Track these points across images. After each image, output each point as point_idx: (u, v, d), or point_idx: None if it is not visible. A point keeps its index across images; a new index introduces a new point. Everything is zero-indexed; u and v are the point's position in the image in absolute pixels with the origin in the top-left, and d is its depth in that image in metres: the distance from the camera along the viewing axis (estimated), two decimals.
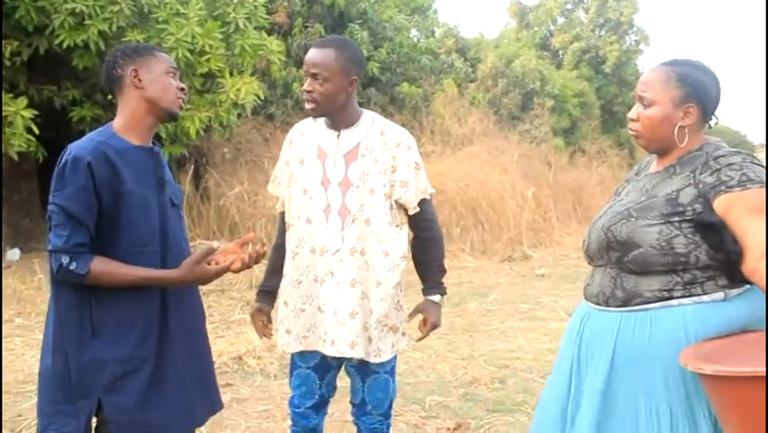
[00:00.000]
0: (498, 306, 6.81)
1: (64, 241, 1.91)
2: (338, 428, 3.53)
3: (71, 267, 1.91)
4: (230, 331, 5.32)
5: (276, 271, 2.47)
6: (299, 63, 11.75)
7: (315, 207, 2.31)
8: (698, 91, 1.80)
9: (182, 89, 2.08)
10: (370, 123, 2.36)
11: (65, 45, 7.14)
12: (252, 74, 9.16)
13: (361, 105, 9.02)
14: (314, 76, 2.25)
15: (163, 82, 2.04)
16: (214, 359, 4.74)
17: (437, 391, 4.26)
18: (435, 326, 2.47)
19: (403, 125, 10.47)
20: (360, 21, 12.47)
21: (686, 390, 1.69)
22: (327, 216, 2.30)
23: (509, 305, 6.83)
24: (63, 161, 1.94)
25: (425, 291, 2.48)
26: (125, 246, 1.96)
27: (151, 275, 1.97)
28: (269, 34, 9.36)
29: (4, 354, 4.72)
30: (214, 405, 2.24)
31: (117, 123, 2.05)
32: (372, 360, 2.33)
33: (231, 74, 7.93)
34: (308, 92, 2.26)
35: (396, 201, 2.33)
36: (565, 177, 13.39)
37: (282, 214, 2.46)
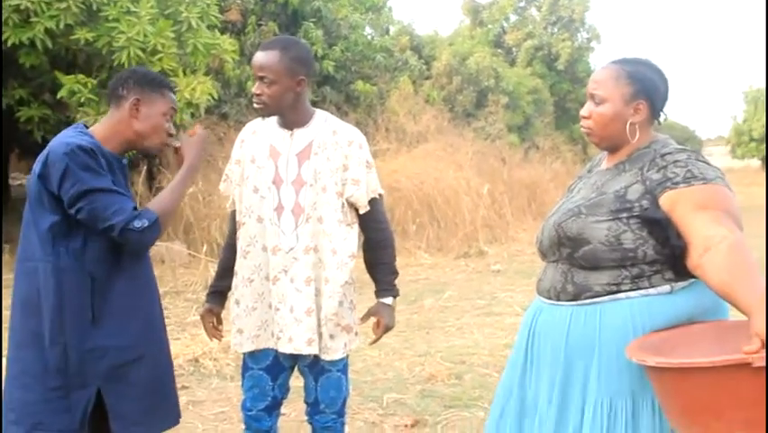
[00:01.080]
0: (454, 302, 6.87)
1: (123, 211, 1.93)
2: (294, 428, 3.52)
3: (146, 225, 1.94)
4: (185, 333, 5.25)
5: (227, 272, 2.46)
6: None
7: (267, 205, 2.31)
8: (647, 88, 1.85)
9: (170, 135, 2.14)
10: (323, 122, 2.37)
11: (10, 43, 6.96)
12: (206, 73, 9.05)
13: (315, 103, 9.05)
14: (261, 78, 2.26)
15: (157, 123, 2.10)
16: None
17: (394, 388, 4.29)
18: (388, 328, 2.48)
19: (358, 123, 10.48)
20: (314, 19, 12.43)
21: (631, 380, 1.74)
22: (279, 215, 2.30)
23: (465, 301, 6.90)
24: (67, 153, 1.91)
25: (378, 294, 2.49)
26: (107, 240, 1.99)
27: (182, 178, 2.13)
28: (222, 33, 9.27)
29: None
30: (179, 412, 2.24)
31: (98, 130, 2.08)
32: (323, 357, 2.34)
33: (184, 73, 7.82)
34: (257, 95, 2.27)
35: (347, 200, 2.34)
36: (520, 173, 13.57)
37: (233, 213, 2.45)
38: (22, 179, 16.24)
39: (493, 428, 1.98)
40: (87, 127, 2.11)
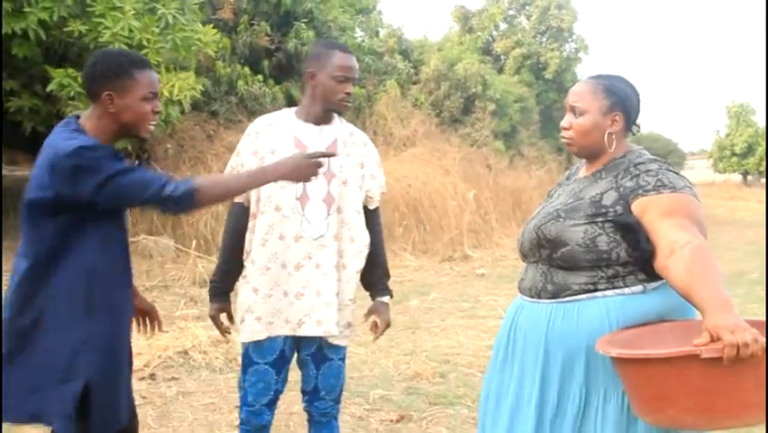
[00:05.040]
0: (438, 304, 7.01)
1: (153, 182, 1.96)
2: (284, 420, 3.63)
3: (180, 191, 1.96)
4: (174, 326, 5.33)
5: (230, 272, 2.53)
6: (244, 60, 11.75)
7: (288, 195, 2.41)
8: (622, 100, 1.99)
9: (156, 112, 2.11)
10: (340, 122, 2.54)
11: (2, 33, 6.98)
12: (196, 70, 9.10)
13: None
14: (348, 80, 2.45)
15: (137, 109, 2.06)
16: (159, 353, 4.79)
17: (381, 384, 4.40)
18: (389, 325, 2.65)
19: None
20: (305, 20, 12.53)
21: (605, 373, 1.87)
22: (304, 205, 2.42)
23: (450, 303, 7.04)
24: (72, 154, 1.91)
25: (376, 294, 2.63)
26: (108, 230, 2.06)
27: (253, 172, 2.19)
28: (215, 29, 9.32)
29: None
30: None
31: (88, 126, 2.05)
32: (336, 342, 2.49)
33: (167, 69, 7.84)
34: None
35: (366, 193, 2.53)
36: (505, 180, 13.75)
37: (238, 206, 2.50)
38: (6, 169, 16.17)
39: (481, 415, 2.11)
40: (78, 118, 2.09)
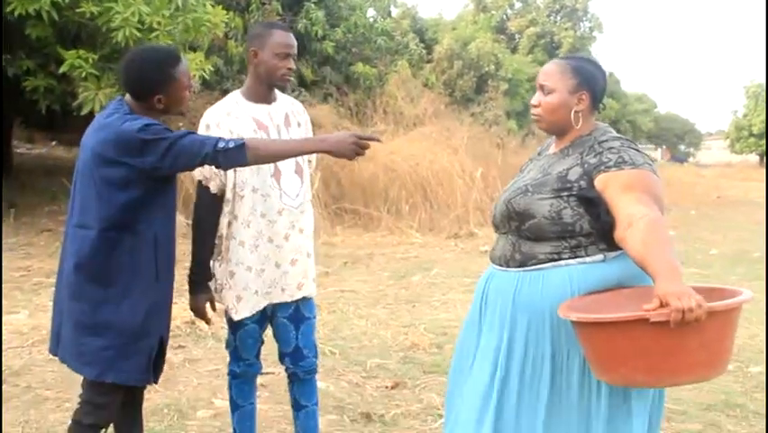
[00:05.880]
0: (441, 279, 7.17)
1: (207, 140, 2.23)
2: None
3: (231, 145, 2.21)
4: (183, 298, 5.52)
5: (207, 262, 2.66)
6: None
7: (263, 175, 2.58)
8: (588, 81, 2.12)
9: (192, 92, 2.44)
10: (279, 96, 2.74)
11: (17, 13, 7.15)
12: (208, 49, 9.23)
13: (315, 83, 9.38)
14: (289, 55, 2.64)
15: (181, 100, 2.36)
16: None
17: (378, 354, 4.58)
18: None
19: (357, 104, 10.72)
20: (315, 0, 12.61)
21: (567, 335, 2.01)
22: (279, 179, 2.61)
23: (452, 278, 7.19)
24: (145, 125, 2.18)
25: None
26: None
27: (301, 141, 2.49)
28: (228, 9, 9.43)
29: None
30: None
31: (137, 109, 2.30)
32: (311, 294, 2.73)
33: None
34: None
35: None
36: (514, 159, 13.80)
37: (213, 196, 2.60)
38: (24, 147, 16.46)
39: (451, 380, 2.27)
40: (123, 101, 2.34)
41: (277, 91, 2.72)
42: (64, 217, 8.81)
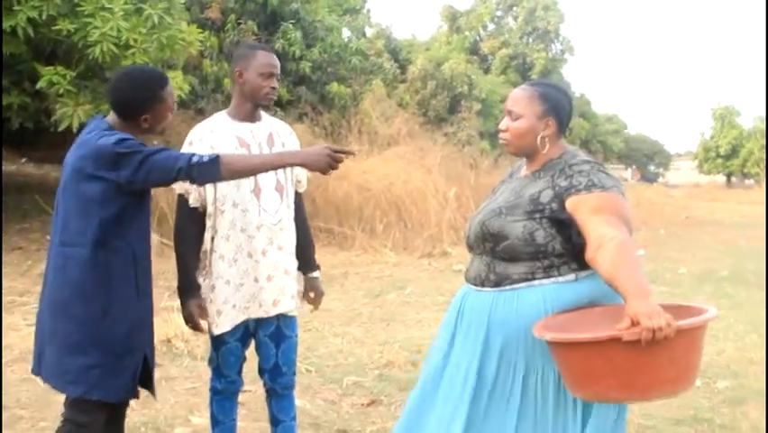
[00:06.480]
0: (415, 298, 7.23)
1: (180, 156, 2.24)
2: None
3: (205, 159, 2.23)
4: (158, 317, 5.51)
5: (194, 269, 2.70)
6: (231, 59, 11.92)
7: (243, 190, 2.64)
8: (555, 107, 2.21)
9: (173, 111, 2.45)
10: (265, 116, 2.82)
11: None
12: (183, 68, 9.26)
13: (290, 103, 9.46)
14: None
15: (165, 120, 2.40)
16: None
17: (354, 372, 4.62)
18: (323, 294, 3.00)
19: (331, 124, 10.76)
20: (292, 20, 12.72)
21: (543, 353, 2.08)
22: (258, 196, 2.67)
23: (426, 297, 7.26)
24: (120, 140, 2.22)
25: (309, 270, 2.95)
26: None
27: (272, 156, 2.46)
28: (202, 28, 9.48)
29: None
30: None
31: (118, 127, 2.34)
32: (293, 313, 2.78)
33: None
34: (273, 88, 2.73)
35: (296, 177, 2.85)
36: (487, 179, 13.96)
37: (193, 210, 2.67)
38: None
39: (415, 397, 2.30)
40: (105, 119, 2.39)
41: (262, 112, 2.78)
42: (35, 235, 8.78)
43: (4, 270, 7.55)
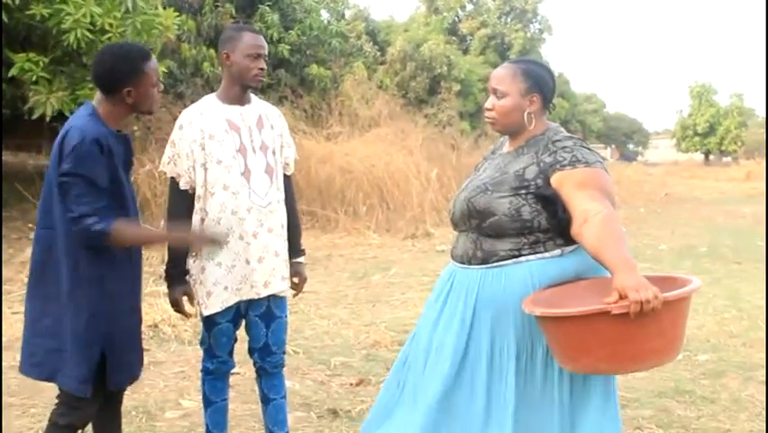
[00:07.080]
0: (399, 278, 7.28)
1: (89, 206, 2.19)
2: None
3: (97, 227, 2.19)
4: (144, 303, 5.50)
5: (183, 255, 2.72)
6: (210, 42, 11.80)
7: (233, 172, 2.65)
8: (539, 83, 2.23)
9: (160, 91, 2.42)
10: (255, 99, 2.82)
11: None
12: (161, 52, 9.13)
13: (270, 86, 9.46)
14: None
15: (151, 96, 2.37)
16: None
17: (341, 352, 4.66)
18: (306, 280, 3.04)
19: (312, 107, 10.72)
20: (270, 2, 12.60)
21: (531, 328, 2.12)
22: (248, 178, 2.67)
23: (411, 278, 7.31)
24: (75, 139, 2.19)
25: (294, 255, 2.93)
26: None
27: (158, 233, 2.49)
28: (180, 11, 9.35)
29: None
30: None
31: (102, 110, 2.33)
32: (283, 294, 2.80)
33: None
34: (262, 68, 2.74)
35: (284, 160, 2.86)
36: (468, 159, 14.01)
37: (184, 192, 2.69)
38: None
39: (397, 371, 2.35)
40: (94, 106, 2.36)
41: (252, 94, 2.79)
42: (15, 224, 8.74)
43: None
